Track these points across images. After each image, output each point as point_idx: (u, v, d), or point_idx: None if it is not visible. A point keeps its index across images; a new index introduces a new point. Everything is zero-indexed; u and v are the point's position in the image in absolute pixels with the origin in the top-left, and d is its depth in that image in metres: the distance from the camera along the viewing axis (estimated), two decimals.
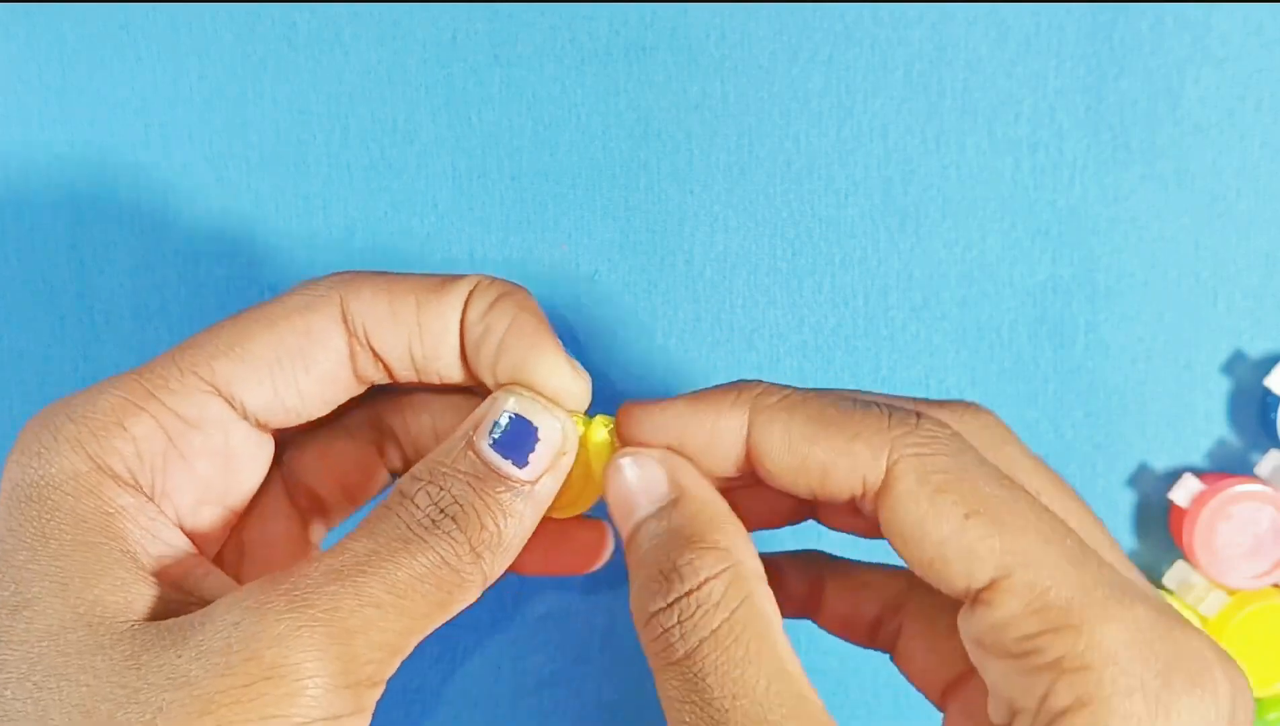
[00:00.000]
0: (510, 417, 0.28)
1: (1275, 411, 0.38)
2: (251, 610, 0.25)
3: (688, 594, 0.26)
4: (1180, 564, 0.39)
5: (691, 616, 0.26)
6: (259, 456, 0.30)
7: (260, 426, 0.29)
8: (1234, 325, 0.39)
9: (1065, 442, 0.40)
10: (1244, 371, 0.39)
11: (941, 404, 0.29)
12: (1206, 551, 0.38)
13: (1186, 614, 0.38)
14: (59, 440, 0.27)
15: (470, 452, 0.28)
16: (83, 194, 0.39)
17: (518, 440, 0.28)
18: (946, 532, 0.26)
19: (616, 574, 0.40)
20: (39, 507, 0.26)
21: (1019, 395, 0.40)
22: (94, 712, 0.24)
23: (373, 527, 0.27)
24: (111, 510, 0.26)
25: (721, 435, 0.28)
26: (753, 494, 0.30)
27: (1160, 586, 0.39)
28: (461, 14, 0.39)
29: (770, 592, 0.27)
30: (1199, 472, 0.39)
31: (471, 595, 0.27)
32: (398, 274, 0.29)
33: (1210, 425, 0.40)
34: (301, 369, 0.28)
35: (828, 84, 0.39)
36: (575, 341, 0.40)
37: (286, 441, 0.32)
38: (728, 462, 0.28)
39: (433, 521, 0.26)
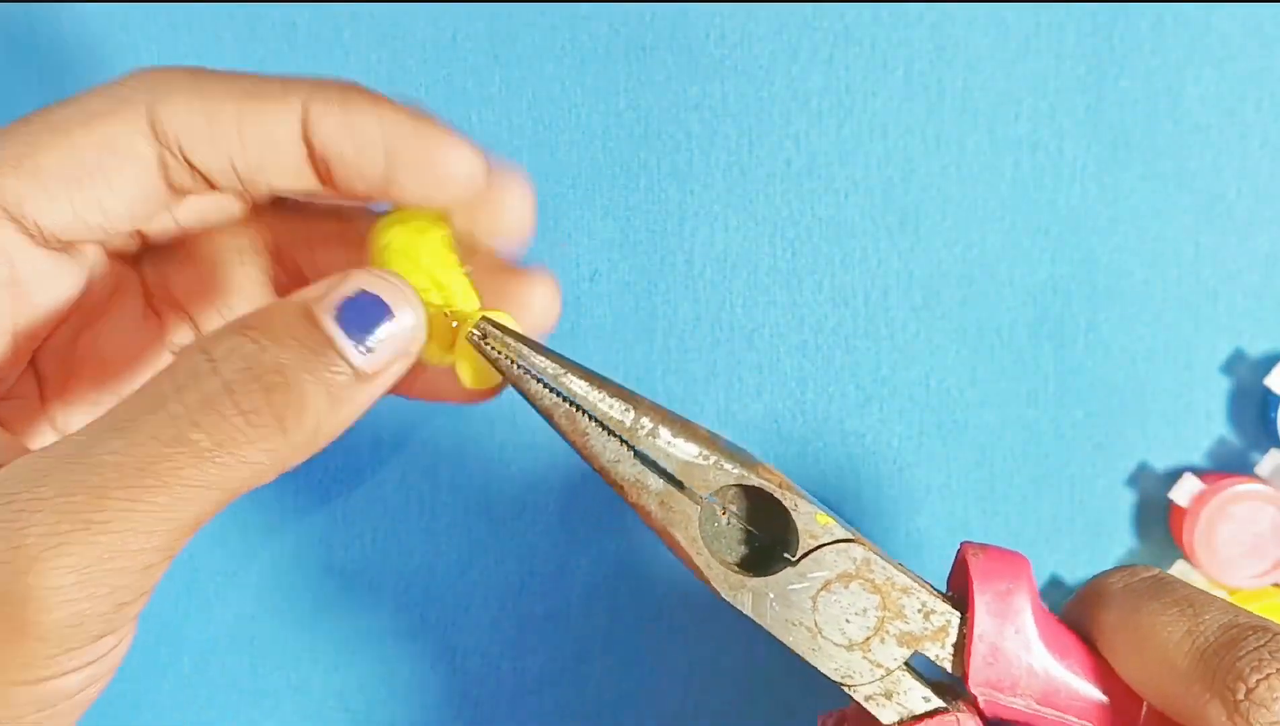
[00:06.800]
0: (362, 293, 0.24)
1: (1275, 411, 0.38)
2: None
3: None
4: (1180, 564, 0.39)
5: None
6: (59, 278, 0.26)
7: (61, 246, 0.26)
8: (1234, 325, 0.39)
9: (1065, 442, 0.40)
10: (1244, 371, 0.39)
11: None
12: (1206, 551, 0.38)
13: None
14: None
15: (308, 320, 0.23)
16: None
17: (365, 319, 0.24)
18: None
19: (618, 574, 0.40)
20: None
21: (1019, 395, 0.40)
22: None
23: (145, 401, 0.22)
24: None
25: None
26: None
27: None
28: (461, 14, 0.39)
29: None
30: (1199, 472, 0.39)
31: (257, 483, 0.23)
32: (214, 74, 0.25)
33: (1210, 425, 0.40)
34: (104, 185, 0.25)
35: (828, 84, 0.39)
36: (575, 341, 0.40)
37: (151, 246, 0.29)
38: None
39: (229, 389, 0.22)
